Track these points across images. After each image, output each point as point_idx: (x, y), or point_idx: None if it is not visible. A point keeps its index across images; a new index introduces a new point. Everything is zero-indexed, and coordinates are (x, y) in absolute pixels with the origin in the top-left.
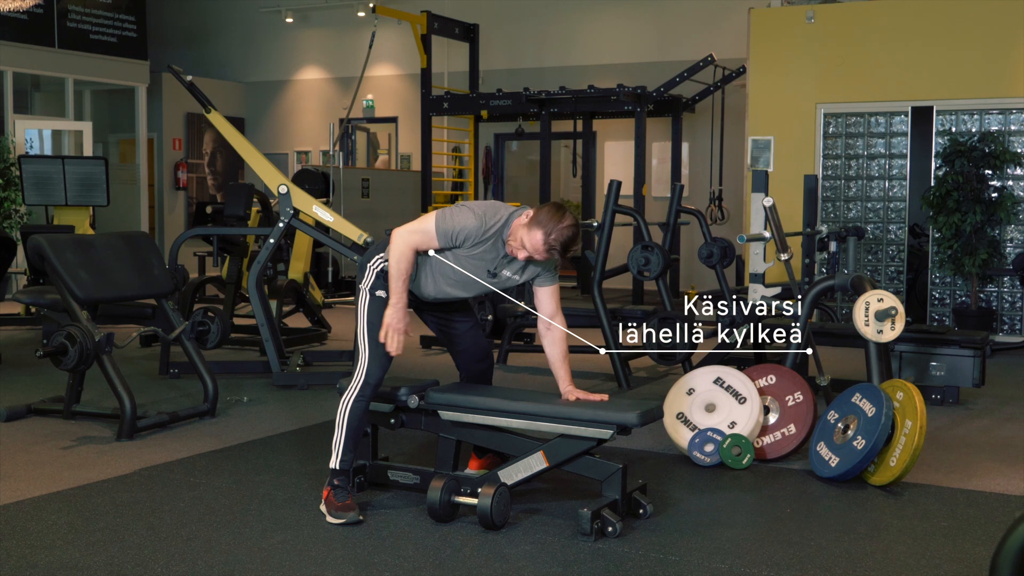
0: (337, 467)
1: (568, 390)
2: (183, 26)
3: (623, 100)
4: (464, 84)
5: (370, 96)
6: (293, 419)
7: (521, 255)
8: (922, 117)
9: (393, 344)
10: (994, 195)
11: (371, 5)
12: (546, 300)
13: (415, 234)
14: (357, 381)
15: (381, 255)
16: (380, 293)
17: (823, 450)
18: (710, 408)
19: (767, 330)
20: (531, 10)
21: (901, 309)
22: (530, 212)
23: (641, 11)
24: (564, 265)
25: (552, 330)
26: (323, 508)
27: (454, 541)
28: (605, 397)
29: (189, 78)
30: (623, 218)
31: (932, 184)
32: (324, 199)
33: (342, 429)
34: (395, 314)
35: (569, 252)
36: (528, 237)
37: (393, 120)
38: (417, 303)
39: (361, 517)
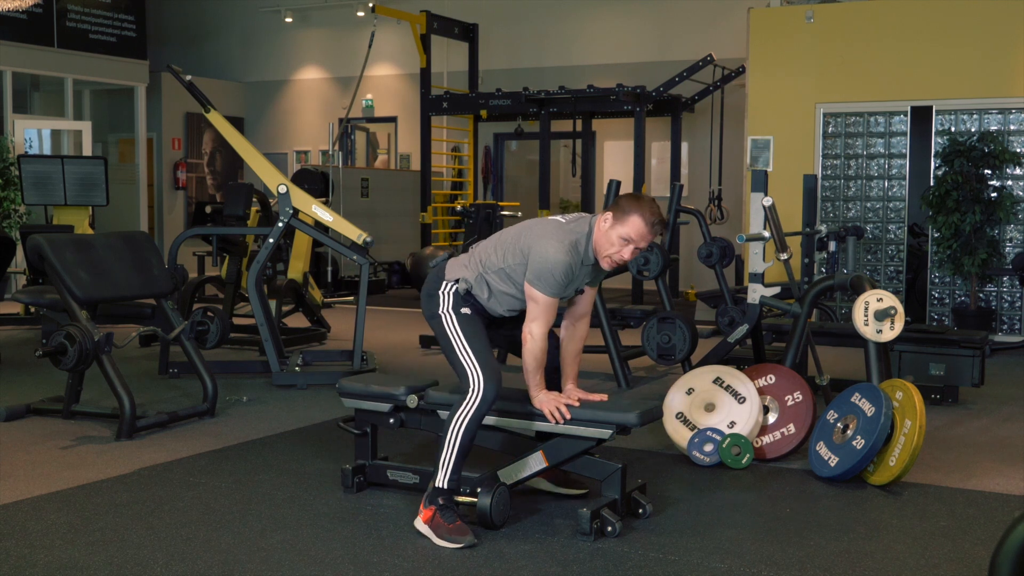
0: (444, 486)
1: (570, 388)
2: (183, 26)
3: (622, 100)
4: (464, 84)
5: (369, 96)
6: (293, 419)
7: (626, 253)
8: (921, 117)
9: (561, 412)
10: (993, 195)
11: (371, 5)
12: (586, 300)
13: (540, 319)
14: (473, 399)
15: (446, 280)
16: (465, 311)
17: (822, 450)
18: (710, 408)
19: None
20: (531, 10)
21: (900, 309)
22: (606, 215)
23: (641, 11)
24: None
25: (577, 327)
26: (424, 529)
27: None
28: (604, 397)
29: (188, 78)
30: None
31: (931, 184)
32: (323, 199)
33: (453, 448)
34: (547, 395)
35: (664, 222)
36: (629, 229)
37: (392, 120)
38: (490, 320)
39: (476, 540)
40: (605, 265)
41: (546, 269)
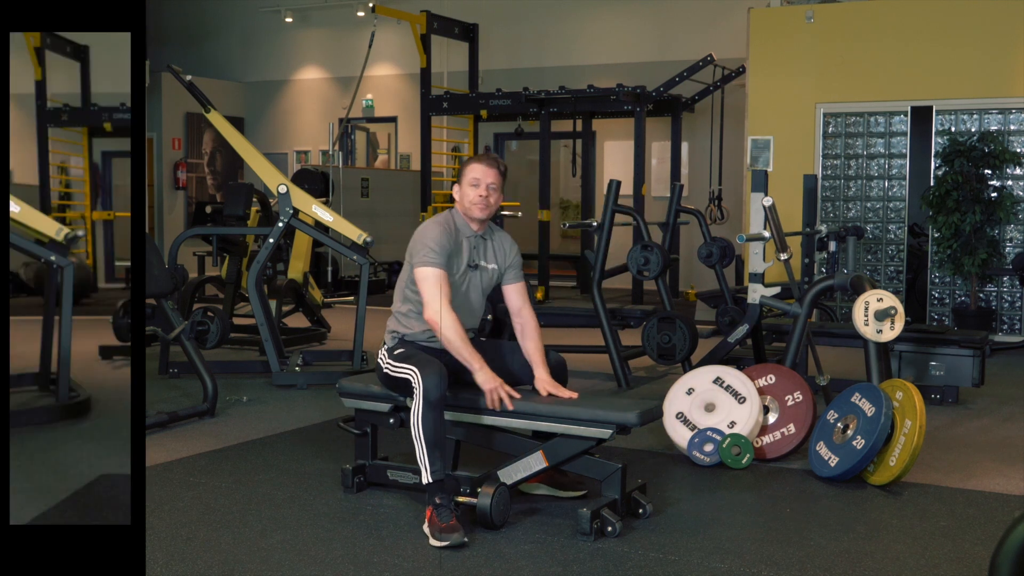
0: (430, 479)
1: (542, 379)
2: (183, 26)
3: (622, 100)
4: (464, 84)
5: (370, 96)
6: (293, 419)
7: (481, 190)
8: (921, 117)
9: (501, 399)
10: (993, 195)
11: (371, 5)
12: (514, 296)
13: (434, 296)
14: (418, 394)
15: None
16: (399, 351)
17: (823, 450)
18: (709, 408)
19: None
20: (531, 10)
21: (900, 309)
22: (455, 187)
23: (641, 11)
24: (563, 265)
25: (524, 325)
26: (426, 529)
27: None
28: (575, 395)
29: (188, 78)
30: (623, 218)
31: (931, 184)
32: (324, 199)
33: (420, 444)
34: (487, 375)
35: (499, 160)
36: (469, 173)
37: (393, 120)
38: (457, 374)
39: (466, 539)
40: (476, 213)
41: (420, 240)
